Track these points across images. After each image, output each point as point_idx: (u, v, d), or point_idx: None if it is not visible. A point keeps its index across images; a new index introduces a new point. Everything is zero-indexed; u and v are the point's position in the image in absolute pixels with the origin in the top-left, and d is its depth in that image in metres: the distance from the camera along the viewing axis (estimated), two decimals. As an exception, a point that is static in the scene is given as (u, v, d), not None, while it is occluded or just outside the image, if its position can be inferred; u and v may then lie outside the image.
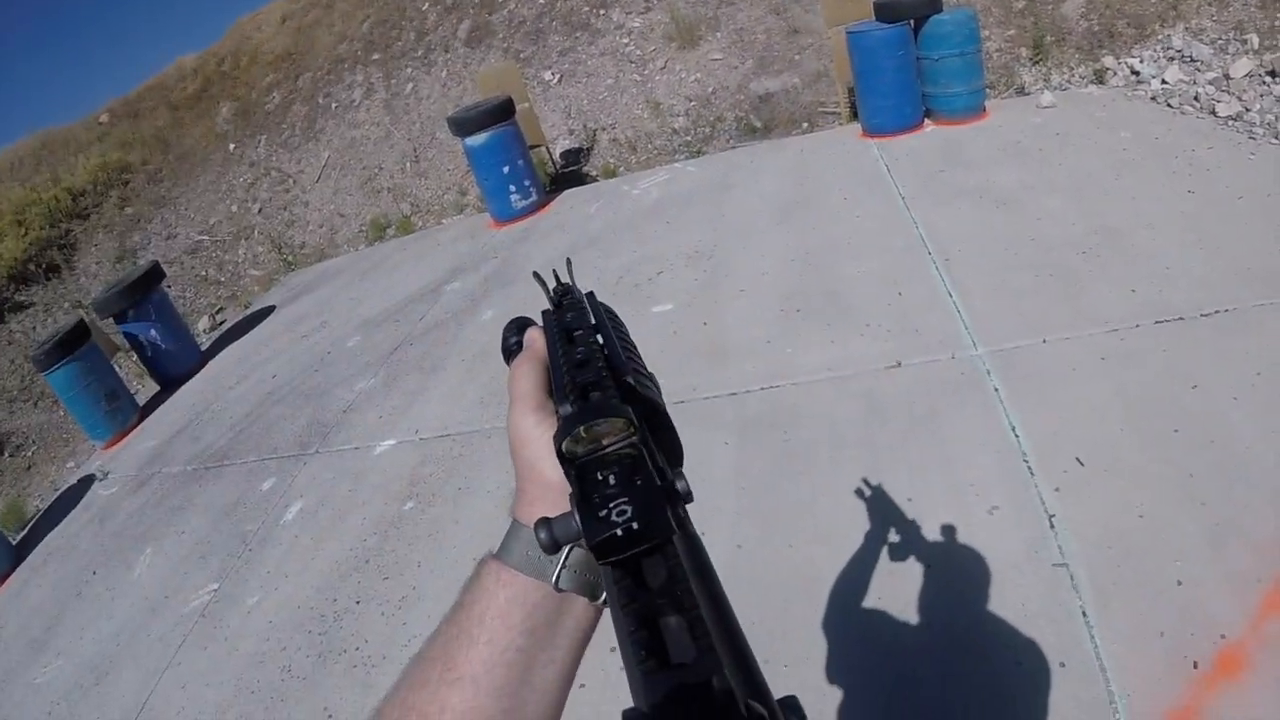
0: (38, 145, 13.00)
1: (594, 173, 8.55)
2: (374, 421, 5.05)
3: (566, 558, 0.53)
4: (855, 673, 2.45)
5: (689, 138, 8.20)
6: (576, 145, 8.93)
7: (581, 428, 0.46)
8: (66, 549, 5.22)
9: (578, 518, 0.42)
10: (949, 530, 2.80)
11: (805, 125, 7.64)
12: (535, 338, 0.64)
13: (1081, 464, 2.91)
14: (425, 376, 5.35)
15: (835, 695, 2.40)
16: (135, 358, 7.79)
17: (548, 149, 8.55)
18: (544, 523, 0.46)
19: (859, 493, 3.09)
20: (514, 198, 7.58)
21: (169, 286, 9.38)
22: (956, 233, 4.69)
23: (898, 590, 2.66)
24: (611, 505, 0.41)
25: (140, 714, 3.47)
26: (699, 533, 0.44)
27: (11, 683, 4.12)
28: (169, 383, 7.43)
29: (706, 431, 3.77)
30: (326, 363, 6.30)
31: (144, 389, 8.06)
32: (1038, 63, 7.03)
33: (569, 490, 0.45)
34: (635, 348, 0.63)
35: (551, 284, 0.74)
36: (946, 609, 2.55)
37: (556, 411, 0.54)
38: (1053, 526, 2.70)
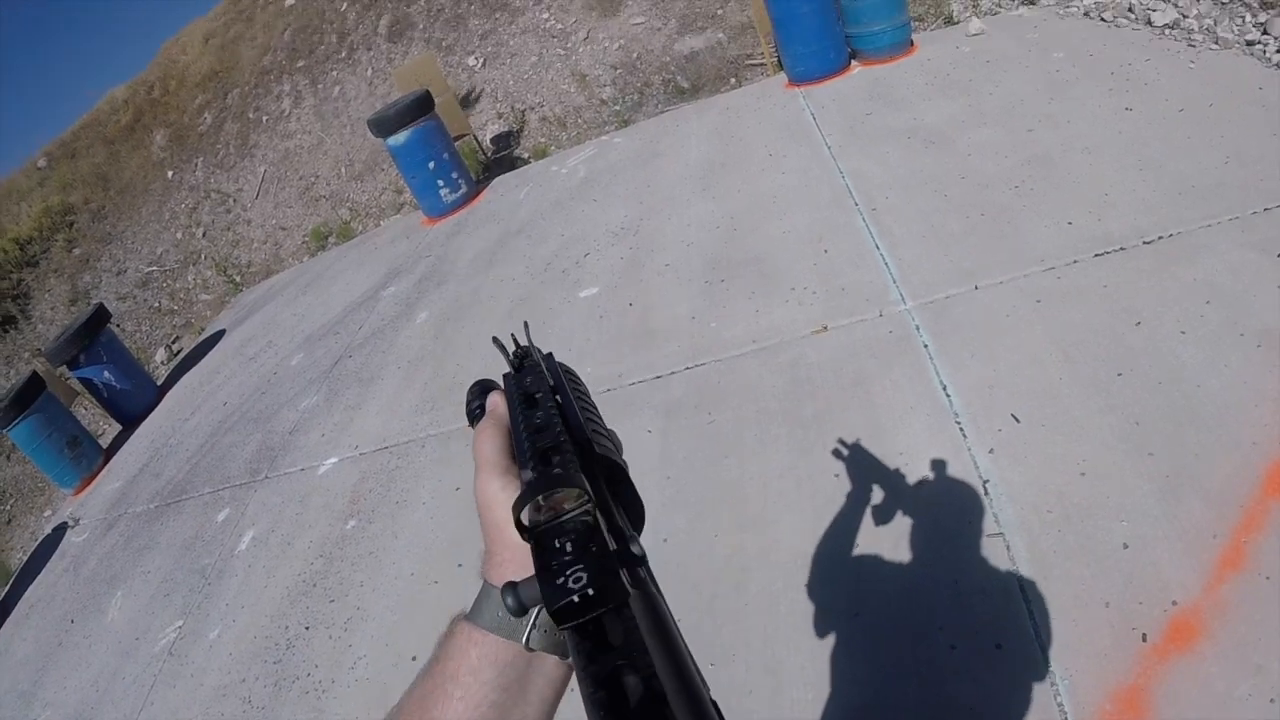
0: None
1: (526, 154, 8.29)
2: (317, 441, 4.96)
3: (536, 618, 0.53)
4: (783, 669, 2.30)
5: (618, 107, 7.93)
6: (507, 129, 8.66)
7: (540, 497, 0.46)
8: (46, 600, 5.24)
9: (539, 585, 0.42)
10: (877, 507, 2.63)
11: (733, 80, 7.35)
12: (497, 402, 0.66)
13: (1017, 420, 2.71)
14: (364, 388, 5.24)
15: (762, 692, 2.26)
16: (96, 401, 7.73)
17: (475, 137, 8.31)
18: (510, 587, 0.47)
19: (785, 473, 2.92)
20: (443, 192, 7.39)
21: (118, 325, 9.23)
22: (884, 179, 4.46)
23: (824, 575, 2.49)
24: (568, 573, 0.41)
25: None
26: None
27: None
28: (130, 421, 7.40)
29: (631, 420, 3.59)
30: (273, 384, 6.21)
31: (110, 430, 8.03)
32: (967, -12, 6.76)
33: None
34: (595, 407, 0.66)
35: (511, 348, 0.74)
36: (876, 593, 2.38)
37: (520, 475, 0.54)
38: (987, 493, 2.51)
